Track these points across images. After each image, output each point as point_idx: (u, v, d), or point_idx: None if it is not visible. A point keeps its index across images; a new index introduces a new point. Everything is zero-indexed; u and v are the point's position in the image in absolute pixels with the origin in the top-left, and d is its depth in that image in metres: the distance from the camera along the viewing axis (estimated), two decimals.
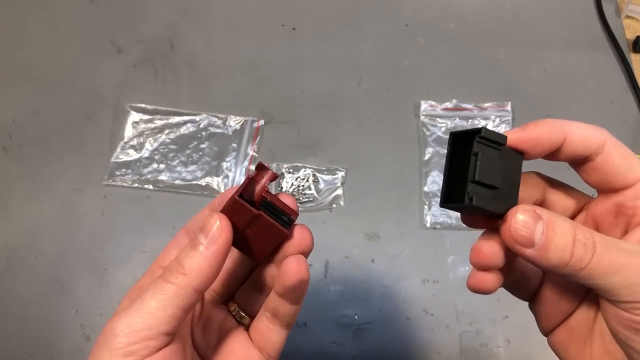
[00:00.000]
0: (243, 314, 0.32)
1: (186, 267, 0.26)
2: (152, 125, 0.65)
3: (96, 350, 0.25)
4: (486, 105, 0.66)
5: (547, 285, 0.30)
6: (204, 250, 0.26)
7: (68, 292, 0.55)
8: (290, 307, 0.30)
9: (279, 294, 0.30)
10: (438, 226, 0.58)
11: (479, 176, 0.25)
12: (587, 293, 0.29)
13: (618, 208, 0.27)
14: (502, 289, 0.31)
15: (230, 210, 0.28)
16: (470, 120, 0.65)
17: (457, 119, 0.65)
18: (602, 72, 0.69)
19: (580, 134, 0.26)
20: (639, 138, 0.64)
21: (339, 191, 0.61)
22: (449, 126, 0.64)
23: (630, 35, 0.72)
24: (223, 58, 0.71)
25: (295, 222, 0.30)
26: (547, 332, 0.30)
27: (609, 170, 0.26)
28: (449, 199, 0.27)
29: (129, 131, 0.64)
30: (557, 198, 0.30)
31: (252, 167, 0.62)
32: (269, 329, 0.31)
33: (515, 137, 0.26)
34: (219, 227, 0.27)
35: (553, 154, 0.27)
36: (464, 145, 0.26)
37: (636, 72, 0.68)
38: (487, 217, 0.28)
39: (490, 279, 0.28)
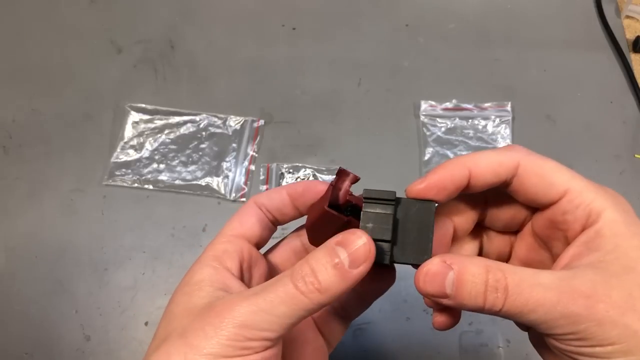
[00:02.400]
0: None
1: (323, 284, 0.24)
2: (152, 125, 0.65)
3: (207, 328, 0.24)
4: (486, 105, 0.66)
5: None
6: (346, 272, 0.25)
7: (68, 292, 0.55)
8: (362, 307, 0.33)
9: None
10: None
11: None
12: None
13: (551, 223, 0.27)
14: None
15: (319, 220, 0.28)
16: (470, 120, 0.65)
17: (457, 119, 0.65)
18: (602, 72, 0.69)
19: (486, 164, 0.26)
20: (639, 138, 0.64)
21: None
22: (449, 126, 0.64)
23: (630, 35, 0.72)
24: (223, 58, 0.71)
25: None
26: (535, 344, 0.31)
27: (528, 191, 0.26)
28: None
29: (129, 131, 0.64)
30: (500, 211, 0.30)
31: (252, 167, 0.62)
32: (334, 321, 0.32)
33: (417, 189, 0.27)
34: (366, 249, 0.25)
35: (465, 190, 0.27)
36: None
37: (636, 72, 0.68)
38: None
39: (448, 318, 0.30)
